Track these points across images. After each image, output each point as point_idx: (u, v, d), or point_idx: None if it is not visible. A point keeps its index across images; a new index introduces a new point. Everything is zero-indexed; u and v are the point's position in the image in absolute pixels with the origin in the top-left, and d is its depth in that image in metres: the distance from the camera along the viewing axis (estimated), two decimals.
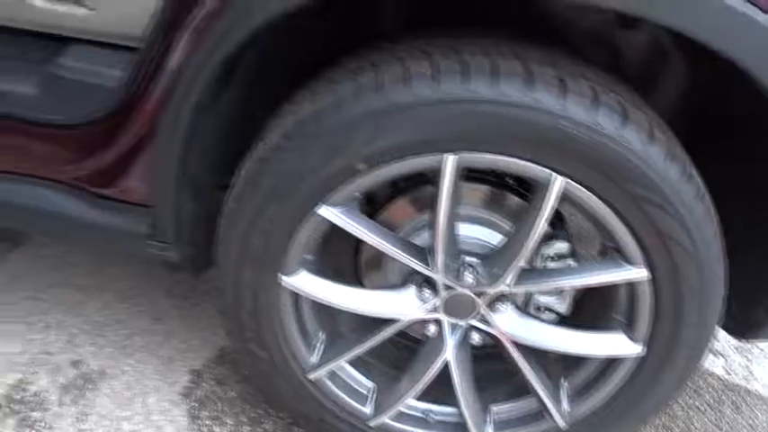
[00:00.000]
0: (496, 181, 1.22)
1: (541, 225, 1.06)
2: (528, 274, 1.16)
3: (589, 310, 1.31)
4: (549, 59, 1.00)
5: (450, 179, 1.03)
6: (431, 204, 1.11)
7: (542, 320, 1.23)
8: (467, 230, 1.20)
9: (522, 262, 1.11)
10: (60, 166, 1.27)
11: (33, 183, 1.27)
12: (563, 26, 1.21)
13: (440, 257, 1.12)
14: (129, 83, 1.19)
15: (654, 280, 1.09)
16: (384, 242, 1.13)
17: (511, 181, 1.25)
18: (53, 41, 1.37)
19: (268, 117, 1.22)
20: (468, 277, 1.15)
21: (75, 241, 1.61)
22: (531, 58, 0.99)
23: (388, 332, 1.23)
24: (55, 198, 1.26)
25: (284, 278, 1.17)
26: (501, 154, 1.00)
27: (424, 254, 1.16)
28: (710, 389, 1.65)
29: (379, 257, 1.32)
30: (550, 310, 1.28)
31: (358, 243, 1.34)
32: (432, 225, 1.10)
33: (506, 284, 1.14)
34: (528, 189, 1.20)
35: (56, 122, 1.27)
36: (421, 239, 1.23)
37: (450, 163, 1.02)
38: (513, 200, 1.22)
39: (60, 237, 1.53)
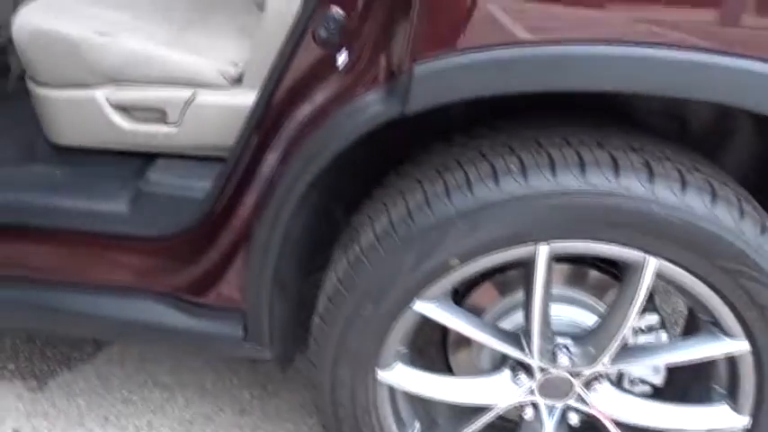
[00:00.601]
0: (583, 260, 1.24)
1: (638, 306, 1.07)
2: (624, 351, 1.16)
3: (683, 380, 1.29)
4: (630, 144, 1.03)
5: (544, 268, 1.06)
6: (524, 287, 1.13)
7: (641, 396, 1.22)
8: (557, 311, 1.21)
9: (618, 342, 1.11)
10: (156, 278, 1.33)
11: (131, 295, 1.33)
12: (629, 102, 1.25)
13: (536, 343, 1.13)
14: (216, 194, 1.26)
15: (755, 351, 1.09)
16: (480, 332, 1.15)
17: (590, 259, 1.27)
18: (140, 157, 1.45)
19: (345, 208, 1.28)
20: (564, 359, 1.16)
21: (169, 347, 1.67)
22: (614, 145, 1.02)
23: (484, 419, 1.23)
24: (152, 309, 1.31)
25: (381, 373, 1.19)
26: (593, 240, 1.03)
27: (518, 338, 1.17)
28: None
29: (467, 341, 1.33)
30: (644, 381, 1.27)
31: (445, 328, 1.35)
32: (526, 313, 1.12)
33: (603, 364, 1.15)
34: (615, 265, 1.22)
35: (148, 236, 1.33)
36: (509, 323, 1.25)
37: (542, 253, 1.04)
38: (603, 278, 1.23)
39: (155, 344, 1.58)
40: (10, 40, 1.92)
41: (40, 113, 1.45)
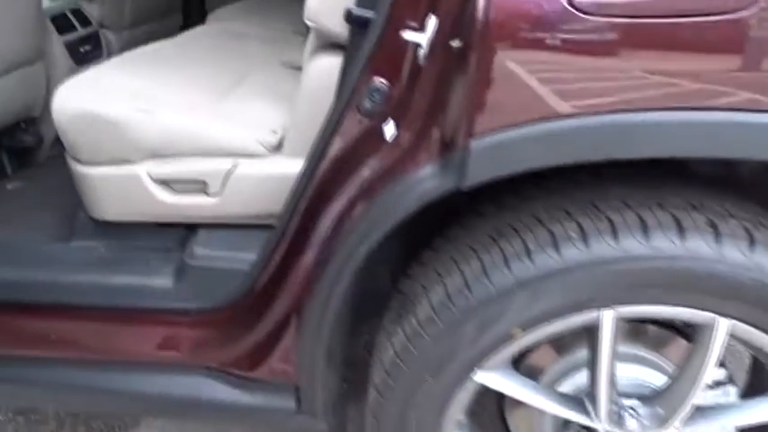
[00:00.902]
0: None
1: (710, 367, 1.03)
2: (695, 412, 1.11)
3: None
4: (690, 201, 1.00)
5: (609, 334, 1.02)
6: (589, 350, 1.09)
7: None
8: (622, 370, 1.17)
9: (690, 404, 1.07)
10: (204, 353, 1.31)
11: (180, 371, 1.31)
12: None
13: (603, 407, 1.09)
14: (262, 265, 1.24)
15: None
16: (545, 400, 1.11)
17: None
18: (181, 228, 1.45)
19: (389, 269, 1.25)
20: (632, 422, 1.12)
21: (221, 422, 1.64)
22: (674, 204, 1.00)
23: None
24: (202, 384, 1.29)
25: None
26: (660, 304, 1.00)
27: (581, 402, 1.14)
28: None
29: (525, 404, 1.29)
30: None
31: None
32: (592, 375, 1.09)
33: (675, 427, 1.10)
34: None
35: (194, 309, 1.32)
36: (569, 385, 1.21)
37: (607, 319, 1.01)
38: (667, 334, 1.20)
39: (206, 420, 1.56)
40: (44, 111, 1.95)
41: (81, 190, 1.45)
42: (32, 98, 1.88)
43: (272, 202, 1.37)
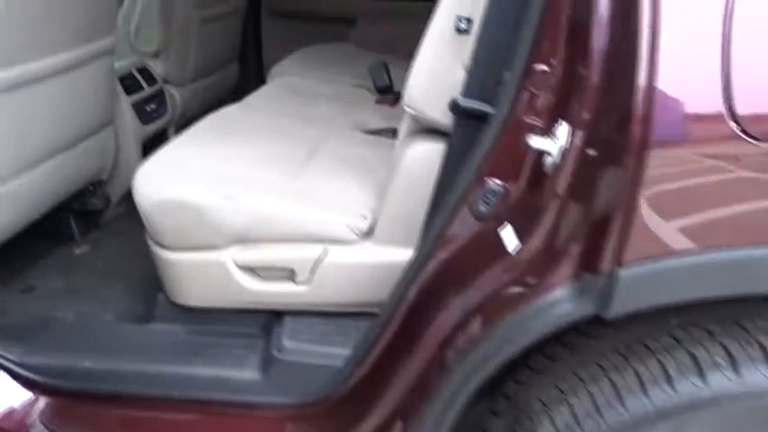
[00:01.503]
0: None
1: None
2: None
3: None
4: None
5: None
6: None
7: None
8: None
9: None
10: None
11: None
12: None
13: None
14: (359, 360, 1.17)
15: None
16: None
17: None
18: (265, 313, 1.39)
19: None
20: None
21: None
22: None
23: None
24: None
25: None
26: None
27: None
28: None
29: None
30: None
31: None
32: None
33: None
34: None
35: (281, 405, 1.25)
36: None
37: None
38: None
39: None
40: (112, 173, 1.93)
41: (163, 275, 1.40)
42: (102, 162, 1.85)
43: (362, 291, 1.31)
